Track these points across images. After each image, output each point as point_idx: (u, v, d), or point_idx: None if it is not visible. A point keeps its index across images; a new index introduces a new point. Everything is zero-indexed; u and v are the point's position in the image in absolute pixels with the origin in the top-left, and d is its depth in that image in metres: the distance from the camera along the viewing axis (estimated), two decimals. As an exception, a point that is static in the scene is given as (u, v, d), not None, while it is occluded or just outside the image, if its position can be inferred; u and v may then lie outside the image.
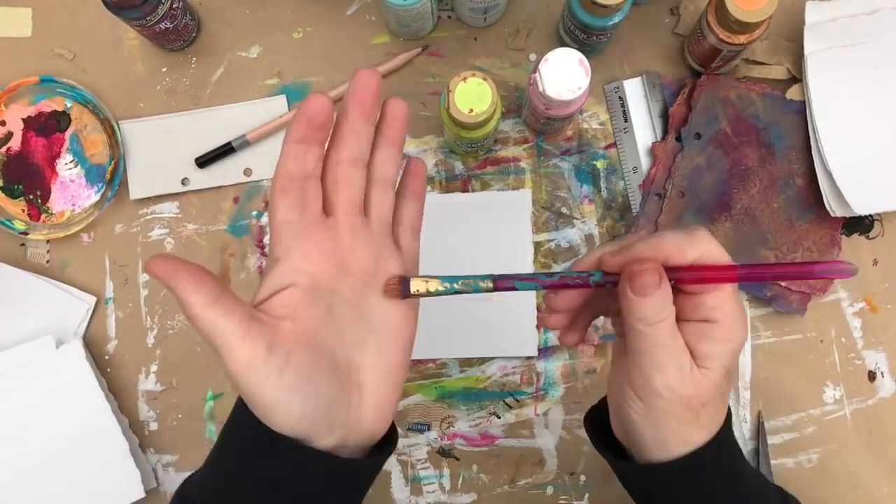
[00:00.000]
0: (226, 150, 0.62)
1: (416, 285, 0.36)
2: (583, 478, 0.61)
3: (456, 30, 0.64)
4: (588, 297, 0.39)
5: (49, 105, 0.63)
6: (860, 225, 0.62)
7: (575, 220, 0.62)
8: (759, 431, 0.60)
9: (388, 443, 0.37)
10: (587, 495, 0.61)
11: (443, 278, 0.36)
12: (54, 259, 0.63)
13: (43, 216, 0.63)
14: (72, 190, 0.63)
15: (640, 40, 0.63)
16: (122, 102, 0.64)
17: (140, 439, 0.62)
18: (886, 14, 0.59)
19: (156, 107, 0.64)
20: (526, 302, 0.61)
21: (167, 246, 0.63)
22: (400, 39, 0.64)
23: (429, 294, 0.36)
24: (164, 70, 0.64)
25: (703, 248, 0.34)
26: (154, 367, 0.62)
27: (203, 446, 0.62)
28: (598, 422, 0.41)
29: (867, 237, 0.62)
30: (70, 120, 0.63)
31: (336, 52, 0.64)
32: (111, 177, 0.62)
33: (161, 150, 0.63)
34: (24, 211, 0.63)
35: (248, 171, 0.63)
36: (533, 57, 0.63)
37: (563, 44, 0.62)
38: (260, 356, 0.32)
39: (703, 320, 0.35)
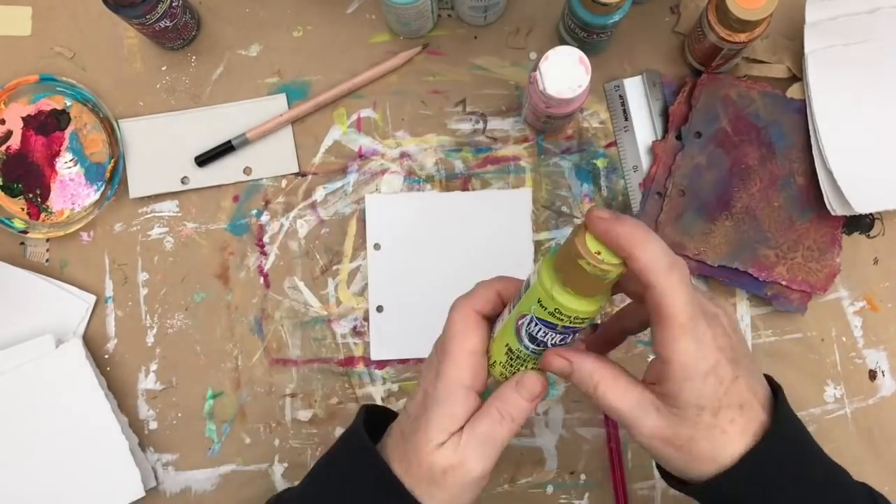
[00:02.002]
0: (225, 149, 0.62)
1: None
2: (583, 477, 0.61)
3: (456, 28, 0.64)
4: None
5: (49, 104, 0.63)
6: (861, 223, 0.61)
7: (575, 219, 0.62)
8: (759, 430, 0.60)
9: None
10: (587, 494, 0.60)
11: None
12: (54, 258, 0.63)
13: (42, 215, 0.62)
14: (71, 189, 0.63)
15: (640, 39, 0.63)
16: (122, 101, 0.64)
17: (140, 438, 0.62)
18: (886, 13, 0.59)
19: (156, 105, 0.64)
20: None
21: (167, 245, 0.63)
22: (400, 38, 0.64)
23: None
24: (163, 69, 0.64)
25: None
26: (154, 366, 0.62)
27: (202, 445, 0.62)
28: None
29: (867, 236, 0.62)
30: (70, 118, 0.63)
31: (336, 50, 0.64)
32: (111, 175, 0.62)
33: (161, 148, 0.63)
34: (23, 209, 0.62)
35: (247, 170, 0.63)
36: (533, 55, 0.63)
37: (563, 42, 0.62)
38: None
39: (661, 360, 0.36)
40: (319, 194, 0.63)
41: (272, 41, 0.64)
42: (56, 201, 0.63)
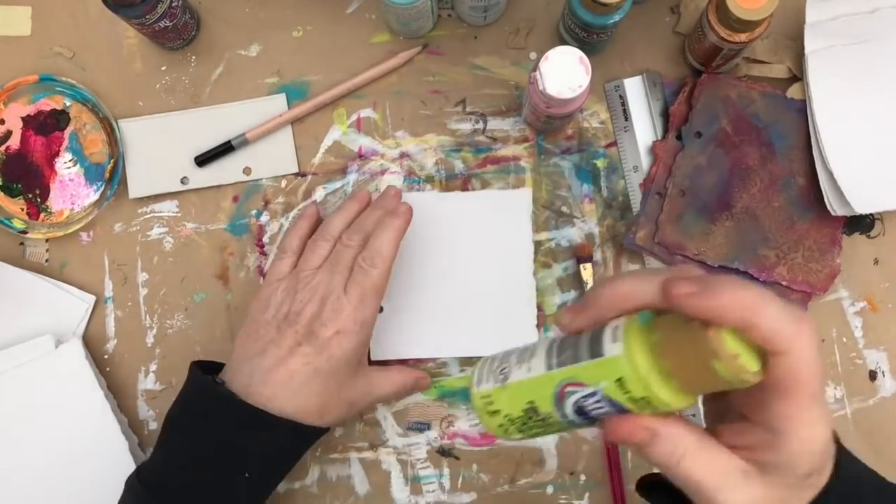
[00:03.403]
0: (225, 149, 0.62)
1: None
2: (583, 477, 0.61)
3: (456, 28, 0.64)
4: None
5: (48, 104, 0.63)
6: (861, 224, 0.61)
7: (575, 219, 0.62)
8: (759, 431, 0.60)
9: None
10: (587, 495, 0.60)
11: None
12: (53, 258, 0.63)
13: (42, 215, 0.62)
14: (71, 189, 0.62)
15: (640, 39, 0.63)
16: (122, 101, 0.64)
17: (139, 438, 0.62)
18: (887, 13, 0.59)
19: (155, 105, 0.64)
20: (526, 301, 0.61)
21: (166, 245, 0.63)
22: (400, 38, 0.64)
23: None
24: (163, 69, 0.64)
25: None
26: (153, 367, 0.62)
27: (202, 446, 0.62)
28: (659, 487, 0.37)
29: (868, 236, 0.61)
30: (69, 118, 0.63)
31: (336, 50, 0.64)
32: (110, 175, 0.62)
33: (160, 148, 0.63)
34: (23, 210, 0.62)
35: (247, 170, 0.63)
36: (533, 55, 0.63)
37: (563, 42, 0.62)
38: None
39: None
40: (319, 194, 0.63)
41: (272, 41, 0.64)
42: (55, 201, 0.63)
